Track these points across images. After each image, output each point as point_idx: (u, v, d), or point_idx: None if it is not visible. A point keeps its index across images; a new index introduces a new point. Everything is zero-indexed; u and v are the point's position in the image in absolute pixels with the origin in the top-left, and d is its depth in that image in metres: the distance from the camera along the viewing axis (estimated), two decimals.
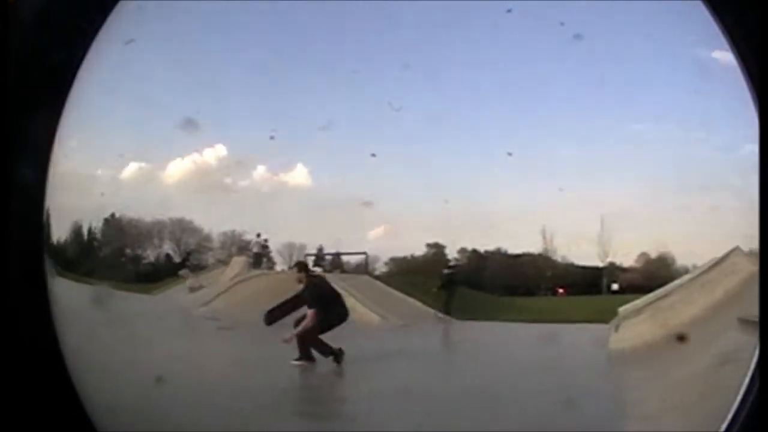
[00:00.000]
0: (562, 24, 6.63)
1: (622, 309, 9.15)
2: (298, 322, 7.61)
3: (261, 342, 8.10)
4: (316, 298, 7.69)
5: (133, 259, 10.28)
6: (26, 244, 1.90)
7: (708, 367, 6.27)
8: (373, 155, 8.08)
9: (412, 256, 10.96)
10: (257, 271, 10.73)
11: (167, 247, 10.58)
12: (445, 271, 10.44)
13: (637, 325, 8.44)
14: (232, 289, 10.07)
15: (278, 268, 10.97)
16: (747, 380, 1.98)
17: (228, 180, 9.98)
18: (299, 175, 9.82)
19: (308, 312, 7.54)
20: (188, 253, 10.46)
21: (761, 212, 2.06)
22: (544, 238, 10.18)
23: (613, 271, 10.93)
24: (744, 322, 7.00)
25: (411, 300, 10.47)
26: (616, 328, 8.57)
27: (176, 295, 9.66)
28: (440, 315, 10.15)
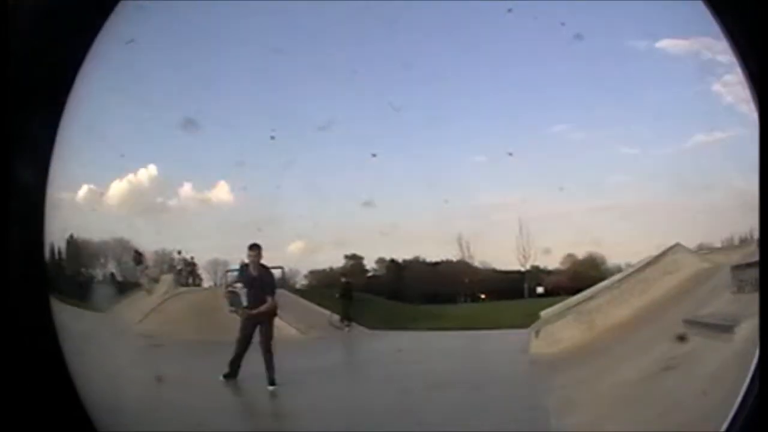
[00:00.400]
0: (562, 24, 6.63)
1: (544, 313, 8.78)
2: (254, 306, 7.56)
3: (189, 358, 7.96)
4: (268, 284, 7.72)
5: (88, 278, 10.38)
6: (26, 244, 1.90)
7: (647, 373, 5.90)
8: (374, 155, 8.07)
9: (330, 269, 10.92)
10: (183, 289, 10.70)
11: (111, 267, 10.66)
12: (342, 280, 10.41)
13: (561, 329, 7.99)
14: (162, 306, 10.06)
15: (205, 284, 10.95)
16: (747, 380, 1.97)
17: (159, 199, 9.99)
18: (221, 192, 9.78)
19: (268, 299, 7.57)
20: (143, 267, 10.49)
21: (761, 212, 2.06)
22: (461, 245, 10.04)
23: (537, 274, 10.79)
24: (690, 323, 6.65)
25: (328, 312, 10.36)
26: (537, 333, 8.13)
27: (119, 312, 9.63)
28: (335, 323, 10.05)
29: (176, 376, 6.79)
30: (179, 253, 10.09)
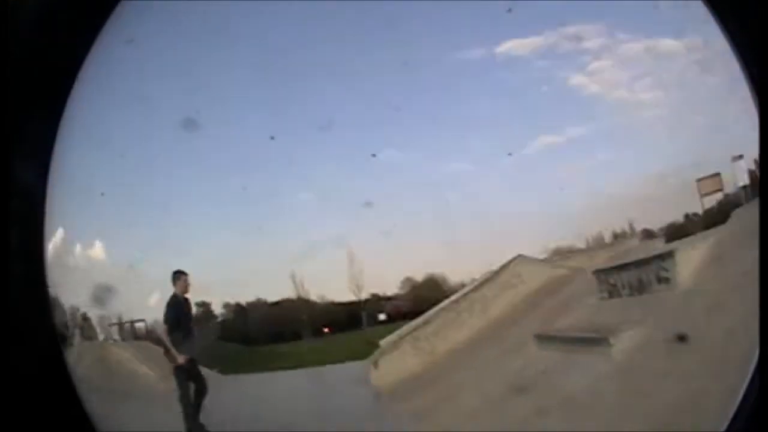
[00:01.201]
0: (562, 24, 6.62)
1: (384, 342, 8.55)
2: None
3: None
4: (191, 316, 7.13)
5: None
6: (26, 244, 1.89)
7: (498, 395, 5.61)
8: (374, 155, 8.05)
9: None
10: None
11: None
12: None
13: (400, 357, 7.78)
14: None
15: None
16: (747, 380, 1.97)
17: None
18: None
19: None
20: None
21: (761, 212, 2.06)
22: (294, 282, 9.96)
23: (377, 301, 10.71)
24: (540, 338, 6.45)
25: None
26: (375, 364, 7.91)
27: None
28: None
29: None
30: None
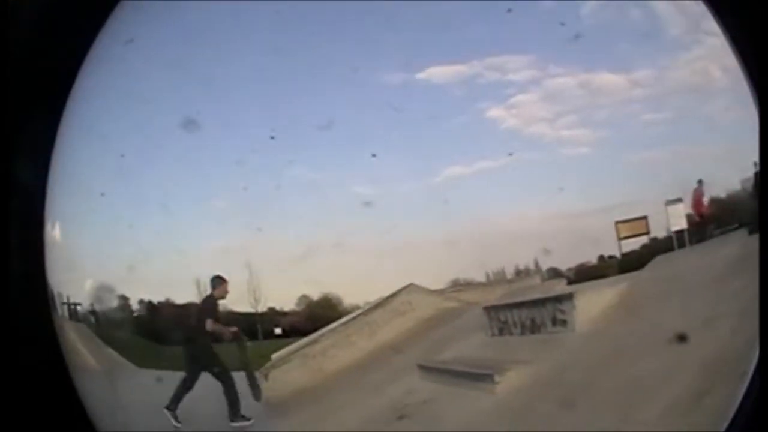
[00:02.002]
0: (562, 24, 6.60)
1: (275, 355, 8.59)
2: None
3: None
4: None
5: None
6: (26, 244, 1.90)
7: (377, 420, 5.70)
8: (374, 155, 8.05)
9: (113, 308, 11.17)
10: None
11: None
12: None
13: (289, 372, 7.96)
14: None
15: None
16: (747, 380, 1.97)
17: None
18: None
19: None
20: None
21: (761, 211, 2.06)
22: (198, 287, 10.08)
23: (273, 316, 10.92)
24: (424, 369, 6.40)
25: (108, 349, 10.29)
26: (266, 376, 7.96)
27: None
28: None
29: None
30: None
